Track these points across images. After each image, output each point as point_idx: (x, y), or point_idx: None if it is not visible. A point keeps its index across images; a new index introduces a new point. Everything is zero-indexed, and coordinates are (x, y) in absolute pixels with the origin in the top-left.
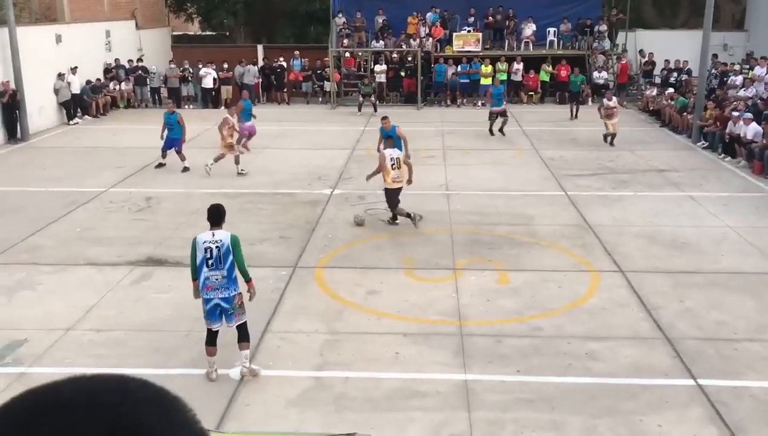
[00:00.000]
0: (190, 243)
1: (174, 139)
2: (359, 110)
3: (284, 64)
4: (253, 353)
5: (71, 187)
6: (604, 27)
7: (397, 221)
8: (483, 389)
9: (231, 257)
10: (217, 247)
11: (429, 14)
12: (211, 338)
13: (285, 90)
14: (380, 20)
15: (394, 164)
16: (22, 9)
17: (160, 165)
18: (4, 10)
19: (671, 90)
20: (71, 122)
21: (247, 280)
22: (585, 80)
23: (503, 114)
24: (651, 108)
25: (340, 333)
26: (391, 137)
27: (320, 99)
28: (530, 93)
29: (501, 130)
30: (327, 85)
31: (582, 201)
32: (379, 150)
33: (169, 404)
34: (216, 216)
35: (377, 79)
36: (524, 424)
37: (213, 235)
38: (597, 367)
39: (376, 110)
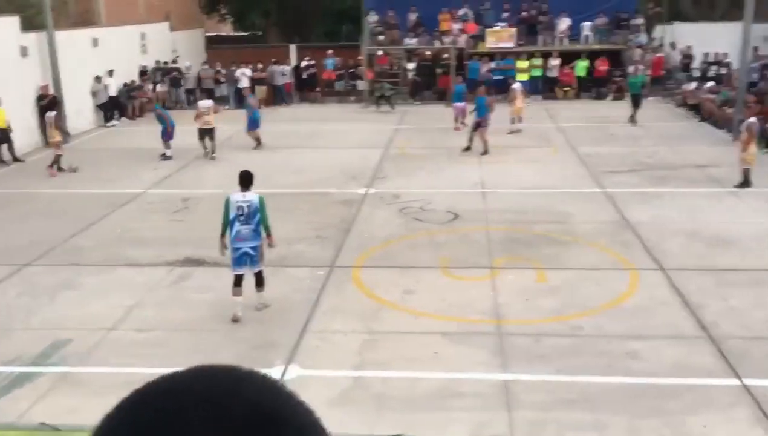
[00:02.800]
0: (223, 202)
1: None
2: (391, 108)
3: (312, 62)
4: (292, 353)
5: (111, 189)
6: (640, 20)
7: None
8: (523, 389)
9: (258, 215)
10: (247, 205)
11: (461, 11)
12: (238, 281)
13: (318, 89)
14: (413, 17)
15: None
16: (60, 13)
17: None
18: (42, 14)
19: (711, 83)
20: (108, 124)
21: (269, 234)
22: (645, 81)
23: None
24: (689, 102)
25: (378, 333)
26: None
27: (353, 98)
28: (565, 88)
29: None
30: (360, 84)
31: (620, 198)
32: None
33: (287, 394)
34: (246, 180)
35: (409, 76)
36: (566, 424)
37: (244, 195)
38: (639, 366)
39: (392, 108)
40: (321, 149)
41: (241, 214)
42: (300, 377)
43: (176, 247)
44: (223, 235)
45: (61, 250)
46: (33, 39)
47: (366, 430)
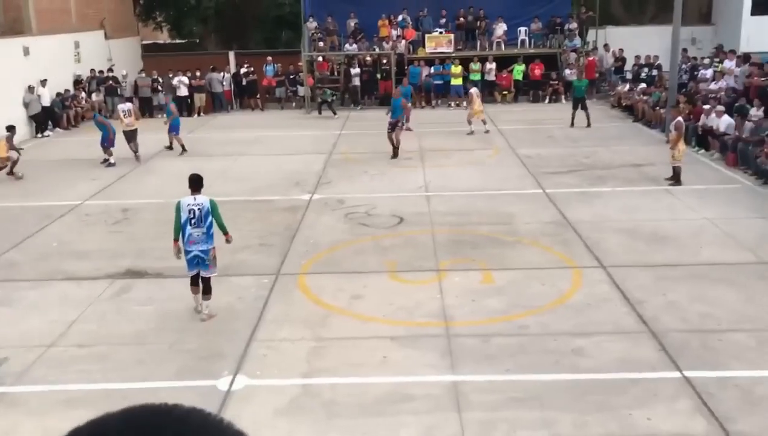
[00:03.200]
0: (174, 206)
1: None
2: (334, 113)
3: (251, 69)
4: (240, 363)
5: (46, 201)
6: (574, 25)
7: None
8: (472, 389)
9: (210, 218)
10: (198, 208)
11: (400, 17)
12: (194, 280)
13: (258, 96)
14: (352, 24)
15: None
16: None
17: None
18: None
19: (643, 85)
20: (42, 135)
21: (225, 233)
22: (588, 84)
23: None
24: (624, 104)
25: (326, 339)
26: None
27: (294, 104)
28: (504, 92)
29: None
30: (301, 90)
31: (561, 198)
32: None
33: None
34: (196, 183)
35: (352, 83)
36: (515, 423)
37: (195, 199)
38: (584, 363)
39: (335, 114)
40: (263, 156)
41: (193, 217)
42: (248, 386)
43: (116, 259)
44: (176, 240)
45: None
46: None
47: None
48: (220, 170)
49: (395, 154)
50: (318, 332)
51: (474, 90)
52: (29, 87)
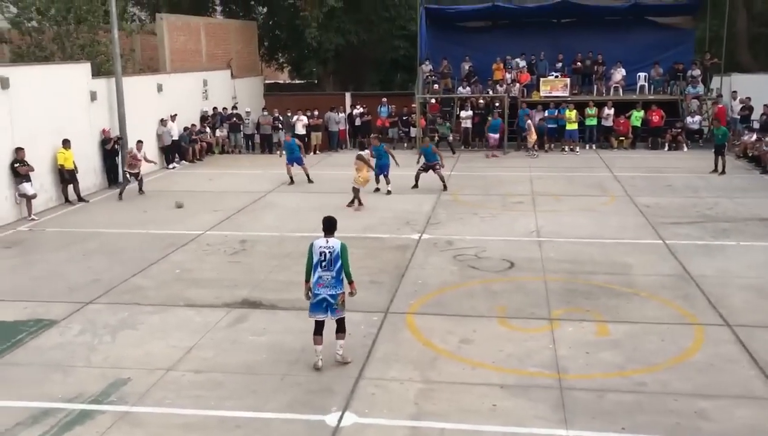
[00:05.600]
0: (308, 248)
1: None
2: (452, 152)
3: (365, 109)
4: (348, 400)
5: (170, 230)
6: (697, 71)
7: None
8: None
9: (340, 262)
10: (330, 251)
11: (516, 60)
12: (318, 329)
13: (372, 136)
14: (467, 67)
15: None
16: (128, 60)
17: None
18: (111, 62)
19: None
20: (170, 167)
21: (350, 281)
22: (728, 132)
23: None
24: (750, 154)
25: (435, 382)
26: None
27: (406, 145)
28: (620, 138)
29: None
30: (413, 131)
31: (682, 250)
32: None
33: None
34: (329, 226)
35: (463, 125)
36: None
37: (327, 241)
38: (708, 427)
39: (453, 152)
40: (374, 194)
41: (323, 260)
42: (356, 424)
43: (234, 288)
44: (307, 281)
45: (122, 289)
46: (102, 84)
47: None
48: (334, 207)
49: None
50: (427, 374)
51: (530, 123)
52: (161, 120)
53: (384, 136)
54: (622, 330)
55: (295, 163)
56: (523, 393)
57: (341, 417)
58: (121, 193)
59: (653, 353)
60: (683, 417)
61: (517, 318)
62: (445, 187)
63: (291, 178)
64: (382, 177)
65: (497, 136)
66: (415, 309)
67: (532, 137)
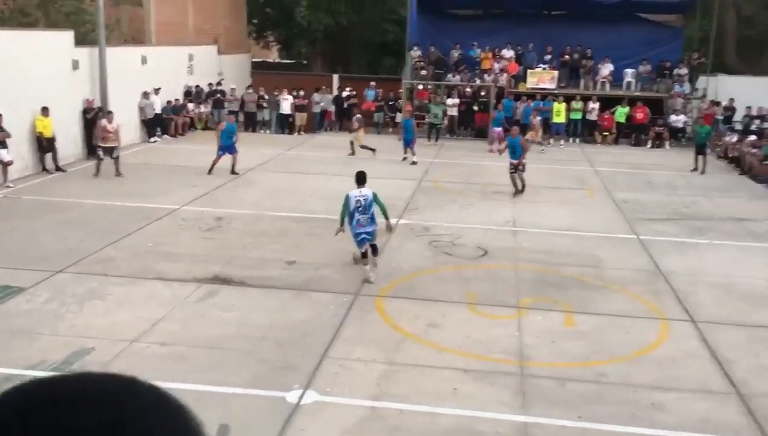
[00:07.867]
0: (343, 197)
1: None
2: (429, 139)
3: (353, 93)
4: (311, 378)
5: (147, 203)
6: (684, 70)
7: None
8: (542, 433)
9: (373, 207)
10: (364, 199)
11: (504, 50)
12: (364, 255)
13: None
14: (455, 54)
15: None
16: (113, 31)
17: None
18: (95, 31)
19: (753, 137)
20: (151, 140)
21: (387, 218)
22: (711, 132)
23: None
24: (730, 155)
25: (399, 364)
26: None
27: (391, 130)
28: (604, 133)
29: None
30: (398, 117)
31: (655, 246)
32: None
33: (174, 410)
34: (362, 178)
35: (448, 113)
36: None
37: (360, 191)
38: (663, 419)
39: (437, 140)
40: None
41: (359, 206)
42: (316, 402)
43: (205, 264)
44: (342, 224)
45: (93, 259)
46: (85, 53)
47: None
48: (314, 188)
49: (520, 192)
50: (391, 356)
51: (537, 120)
52: (144, 93)
53: (369, 120)
54: (588, 322)
55: (227, 153)
56: (485, 378)
57: (302, 395)
58: (97, 171)
59: (617, 346)
60: (640, 408)
61: (486, 305)
62: (522, 190)
63: (212, 168)
64: (408, 148)
65: (501, 129)
66: (386, 292)
67: (537, 134)
